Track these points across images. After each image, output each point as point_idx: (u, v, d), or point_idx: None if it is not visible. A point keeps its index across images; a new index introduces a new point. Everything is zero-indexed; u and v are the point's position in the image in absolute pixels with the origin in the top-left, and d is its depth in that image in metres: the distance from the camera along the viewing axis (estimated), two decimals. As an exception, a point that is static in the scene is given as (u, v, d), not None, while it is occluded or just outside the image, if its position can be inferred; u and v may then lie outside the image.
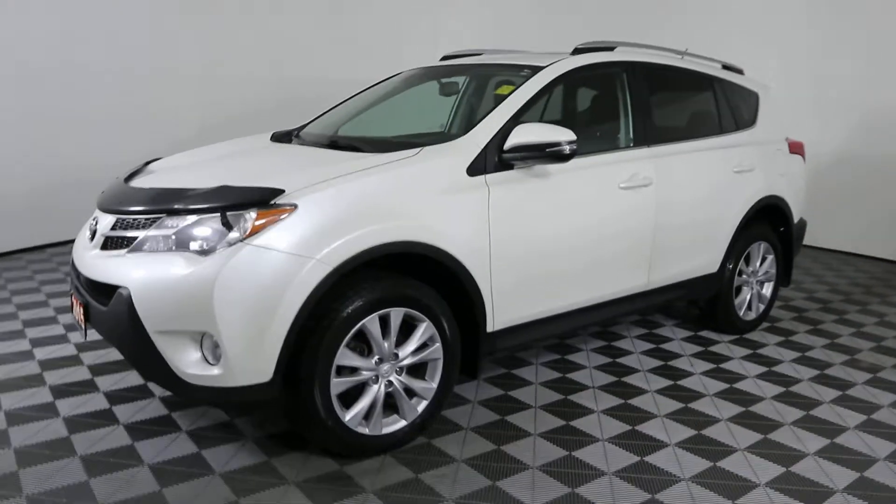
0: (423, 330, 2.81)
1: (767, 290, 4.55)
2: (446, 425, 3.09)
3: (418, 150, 2.89)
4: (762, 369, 3.88)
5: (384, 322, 2.72)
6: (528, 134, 2.96)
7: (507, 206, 2.98)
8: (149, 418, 3.04)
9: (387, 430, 2.81)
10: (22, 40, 5.61)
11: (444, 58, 4.33)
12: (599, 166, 3.40)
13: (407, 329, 2.81)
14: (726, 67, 4.51)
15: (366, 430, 2.75)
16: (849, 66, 6.50)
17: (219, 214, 2.49)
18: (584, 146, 3.56)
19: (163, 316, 2.46)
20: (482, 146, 2.96)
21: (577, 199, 3.27)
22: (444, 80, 3.91)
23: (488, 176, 2.95)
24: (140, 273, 2.51)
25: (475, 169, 2.92)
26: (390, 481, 2.63)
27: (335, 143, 3.30)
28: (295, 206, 2.50)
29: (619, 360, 3.94)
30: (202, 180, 2.77)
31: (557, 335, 3.54)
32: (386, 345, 2.73)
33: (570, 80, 3.51)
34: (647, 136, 3.64)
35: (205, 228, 2.50)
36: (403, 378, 2.82)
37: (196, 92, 6.57)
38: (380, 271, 2.77)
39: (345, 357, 2.63)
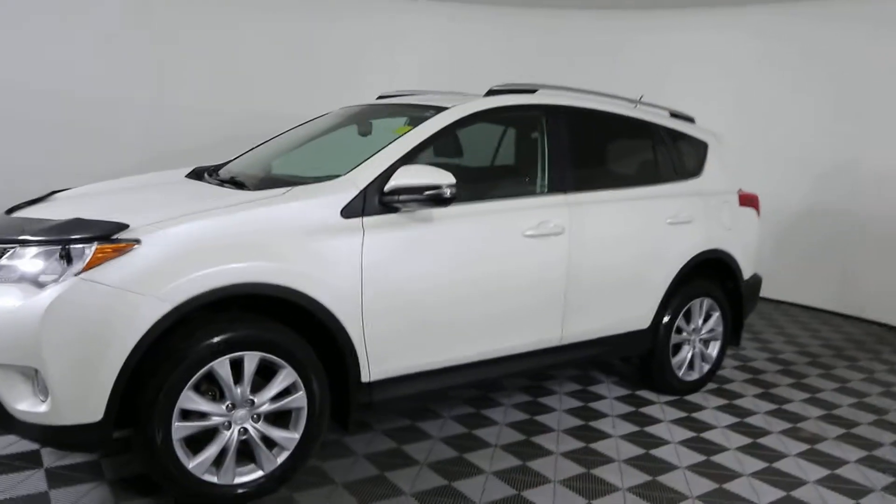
0: (284, 377, 2.68)
1: (713, 349, 4.30)
2: (398, 459, 3.01)
3: (288, 189, 2.81)
4: (689, 434, 3.63)
5: (238, 366, 2.60)
6: (409, 176, 2.85)
7: (384, 252, 2.86)
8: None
9: (240, 479, 2.67)
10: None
11: (380, 97, 4.28)
12: (501, 212, 3.26)
13: (270, 375, 2.69)
14: (675, 115, 4.37)
15: (214, 479, 2.61)
16: (812, 119, 6.53)
17: (59, 247, 2.43)
18: (486, 191, 3.47)
19: None
20: (361, 187, 2.86)
21: (469, 246, 3.11)
22: (361, 121, 3.85)
23: (366, 219, 2.84)
24: None
25: (351, 211, 2.82)
26: None
27: (232, 180, 3.24)
28: (138, 242, 2.43)
29: (537, 417, 3.73)
30: (74, 212, 2.73)
31: (456, 388, 3.37)
32: (239, 390, 2.61)
33: (478, 123, 3.40)
34: (564, 182, 3.49)
35: (47, 261, 2.44)
36: (260, 426, 2.68)
37: (146, 121, 6.46)
38: (241, 313, 2.67)
39: (189, 401, 2.51)
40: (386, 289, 2.87)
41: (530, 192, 3.48)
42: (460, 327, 3.13)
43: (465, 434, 3.45)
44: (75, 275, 2.36)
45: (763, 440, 3.62)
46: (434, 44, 7.45)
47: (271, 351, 2.64)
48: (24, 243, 2.50)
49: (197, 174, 3.61)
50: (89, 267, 2.37)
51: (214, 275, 2.49)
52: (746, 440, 3.61)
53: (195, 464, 2.55)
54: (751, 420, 3.89)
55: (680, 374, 4.12)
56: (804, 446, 3.58)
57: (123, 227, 2.46)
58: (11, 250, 2.52)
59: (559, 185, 3.48)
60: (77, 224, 2.52)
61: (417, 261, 2.97)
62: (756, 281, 4.59)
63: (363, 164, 2.95)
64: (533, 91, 3.60)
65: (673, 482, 3.10)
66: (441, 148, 3.44)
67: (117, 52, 6.30)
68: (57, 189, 3.50)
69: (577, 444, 3.42)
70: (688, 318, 4.12)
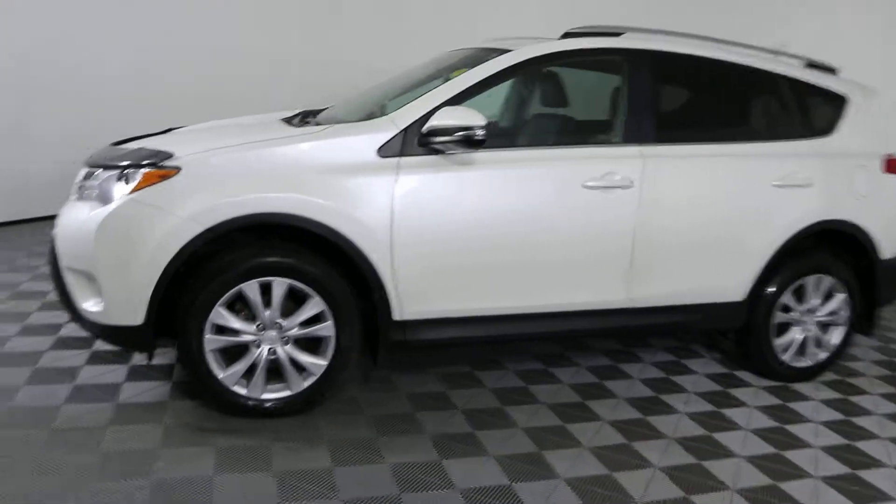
0: (312, 305, 2.82)
1: (835, 335, 3.74)
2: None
3: (328, 126, 2.89)
4: (770, 424, 3.22)
5: (270, 290, 2.78)
6: (445, 117, 2.81)
7: (419, 192, 2.85)
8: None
9: (268, 395, 2.88)
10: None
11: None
12: (558, 160, 3.08)
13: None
14: (812, 65, 3.78)
15: (244, 391, 2.84)
16: None
17: (118, 171, 2.76)
18: (546, 137, 3.29)
19: (69, 255, 2.79)
20: (402, 128, 2.86)
21: (516, 192, 2.99)
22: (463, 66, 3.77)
23: (403, 159, 2.85)
24: (64, 217, 2.87)
25: (389, 150, 2.84)
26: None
27: (307, 121, 3.40)
28: (178, 169, 2.68)
29: (606, 381, 3.53)
30: (157, 144, 3.06)
31: (507, 339, 3.27)
32: (267, 313, 2.79)
33: (546, 67, 3.21)
34: (642, 133, 3.19)
35: (111, 183, 2.77)
36: (289, 349, 2.85)
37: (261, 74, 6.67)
38: (279, 241, 2.84)
39: (220, 317, 2.74)
40: (419, 229, 2.87)
41: (600, 142, 3.24)
42: (506, 276, 3.05)
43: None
44: (126, 195, 2.67)
45: (861, 443, 3.12)
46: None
47: (300, 279, 2.78)
48: (102, 167, 2.87)
49: (289, 118, 3.82)
50: (137, 189, 2.67)
51: (243, 202, 2.67)
52: (840, 440, 3.13)
53: (226, 374, 2.80)
54: (858, 420, 3.35)
55: (785, 357, 3.64)
56: (914, 457, 3.03)
57: (168, 155, 2.72)
58: (94, 173, 2.90)
59: (635, 135, 3.19)
60: (135, 153, 2.83)
61: (456, 204, 2.93)
62: (904, 263, 3.88)
63: (407, 105, 2.95)
64: (617, 34, 3.32)
65: (719, 470, 2.80)
66: (543, 96, 3.34)
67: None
68: (174, 126, 3.93)
69: (632, 415, 3.20)
70: (800, 296, 3.62)
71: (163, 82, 6.47)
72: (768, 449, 3.00)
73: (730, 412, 3.32)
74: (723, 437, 3.07)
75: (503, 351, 3.81)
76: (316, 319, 2.86)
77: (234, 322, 2.78)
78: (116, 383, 3.11)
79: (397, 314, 2.94)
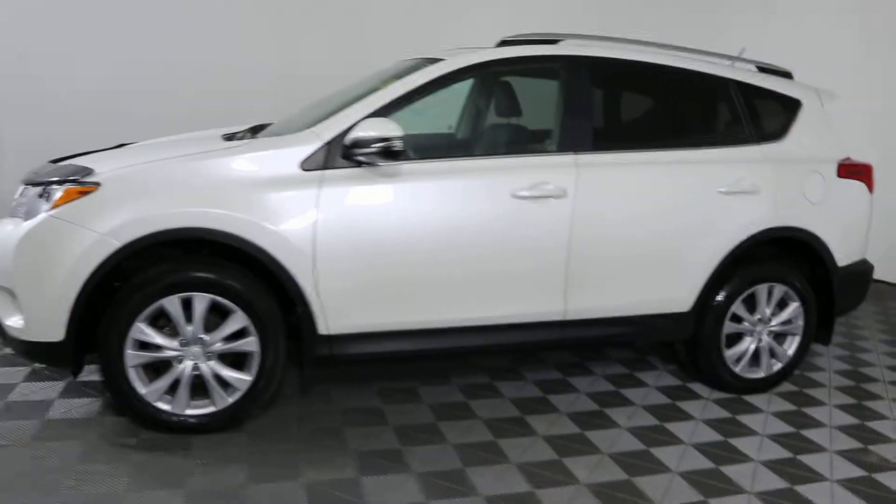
0: (235, 320, 2.80)
1: (790, 345, 3.65)
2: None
3: (251, 139, 2.88)
4: (714, 438, 3.13)
5: (190, 305, 2.77)
6: (365, 129, 2.79)
7: (343, 205, 2.82)
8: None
9: (192, 411, 2.85)
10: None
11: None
12: (487, 170, 3.04)
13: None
14: (765, 70, 3.72)
15: (168, 407, 2.83)
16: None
17: (41, 188, 2.76)
18: (476, 147, 3.26)
19: None
20: (325, 140, 2.84)
21: (442, 203, 2.95)
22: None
23: (326, 172, 2.83)
24: None
25: (312, 163, 2.81)
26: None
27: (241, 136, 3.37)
28: (98, 185, 2.68)
29: (550, 395, 3.47)
30: (91, 161, 3.06)
31: (438, 353, 3.22)
32: (190, 328, 2.78)
33: (479, 77, 3.18)
34: (578, 142, 3.15)
35: (35, 199, 2.78)
36: (213, 364, 2.83)
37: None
38: (210, 255, 2.82)
39: (141, 333, 2.73)
40: (343, 242, 2.84)
41: (534, 151, 3.20)
42: (436, 289, 3.01)
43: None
44: (45, 212, 2.67)
45: (806, 457, 3.02)
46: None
47: (222, 294, 2.77)
48: (30, 184, 2.88)
49: (233, 133, 3.78)
50: (57, 205, 2.67)
51: (162, 218, 2.66)
52: (784, 454, 3.04)
53: (147, 391, 2.78)
54: (808, 432, 3.26)
55: (737, 369, 3.56)
56: (857, 472, 2.93)
57: (89, 171, 2.72)
58: (23, 189, 2.92)
59: (570, 143, 3.15)
60: (60, 169, 2.84)
61: (382, 217, 2.90)
62: (862, 269, 3.78)
63: (332, 117, 2.93)
64: (555, 41, 3.28)
65: (649, 486, 2.73)
66: (476, 106, 3.31)
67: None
68: (130, 142, 3.93)
69: (570, 430, 3.13)
70: (752, 305, 3.54)
71: (134, 97, 6.47)
72: (706, 464, 2.92)
73: (674, 426, 3.24)
74: (660, 452, 2.99)
75: (450, 365, 3.76)
76: (240, 334, 2.84)
77: (156, 337, 2.77)
78: (48, 399, 3.11)
79: (323, 328, 2.91)
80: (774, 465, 2.94)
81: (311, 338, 2.90)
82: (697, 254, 3.34)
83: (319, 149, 2.84)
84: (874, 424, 3.38)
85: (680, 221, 3.30)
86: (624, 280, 3.27)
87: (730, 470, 2.88)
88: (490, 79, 3.38)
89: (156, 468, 2.63)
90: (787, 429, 3.28)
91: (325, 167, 2.83)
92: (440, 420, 3.15)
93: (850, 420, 3.41)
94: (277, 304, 2.86)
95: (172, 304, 2.74)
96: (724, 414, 3.40)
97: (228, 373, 2.85)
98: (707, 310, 3.44)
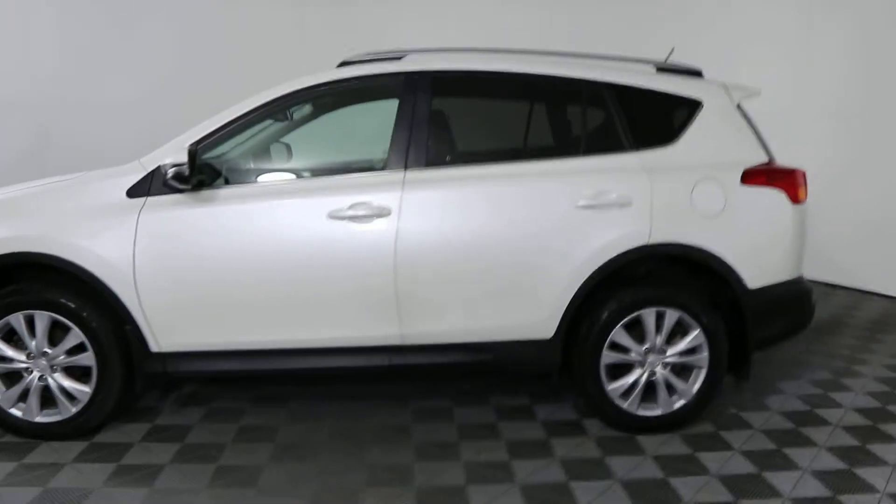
0: (72, 336, 3.05)
1: (696, 379, 3.17)
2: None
3: (89, 172, 3.15)
4: (554, 479, 2.81)
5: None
6: (164, 156, 2.95)
7: (160, 229, 2.97)
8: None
9: (41, 418, 3.12)
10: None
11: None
12: (305, 192, 3.03)
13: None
14: (667, 69, 3.33)
15: (19, 413, 3.12)
16: None
17: None
18: (302, 170, 3.26)
19: None
20: (149, 169, 3.03)
21: (259, 226, 2.98)
22: None
23: (149, 199, 3.00)
24: None
25: (137, 191, 3.01)
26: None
27: None
28: None
29: (417, 424, 3.32)
30: None
31: (271, 373, 3.19)
32: (34, 343, 3.07)
33: (312, 99, 3.20)
34: (409, 158, 3.04)
35: None
36: (58, 376, 3.10)
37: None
38: (53, 277, 3.12)
39: (-5, 346, 3.08)
40: (160, 265, 2.98)
41: (359, 170, 3.14)
42: (256, 310, 3.04)
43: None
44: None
45: (646, 508, 2.61)
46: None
47: (60, 312, 3.03)
48: None
49: None
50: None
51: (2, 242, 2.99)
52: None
53: (2, 397, 3.10)
54: (678, 479, 2.79)
55: (624, 404, 3.16)
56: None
57: None
58: None
59: (401, 161, 3.05)
60: None
61: (199, 239, 3.00)
62: (792, 291, 3.19)
63: (166, 145, 3.11)
64: (398, 58, 3.22)
65: None
66: (306, 128, 3.36)
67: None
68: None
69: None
70: (640, 333, 3.14)
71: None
72: (516, 506, 2.64)
73: (522, 464, 2.94)
74: (484, 490, 2.74)
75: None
76: (80, 349, 3.08)
77: (7, 350, 3.09)
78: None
79: (154, 346, 3.06)
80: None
81: (144, 354, 3.07)
82: (553, 275, 3.04)
83: (144, 177, 3.03)
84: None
85: (528, 239, 3.03)
86: (468, 303, 3.06)
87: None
88: (326, 101, 3.38)
89: (23, 470, 2.92)
90: (654, 475, 2.85)
91: (148, 194, 3.02)
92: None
93: (746, 468, 2.88)
94: (111, 322, 3.07)
95: (17, 320, 3.04)
96: (594, 454, 3.02)
97: (70, 384, 3.10)
98: (576, 338, 3.11)
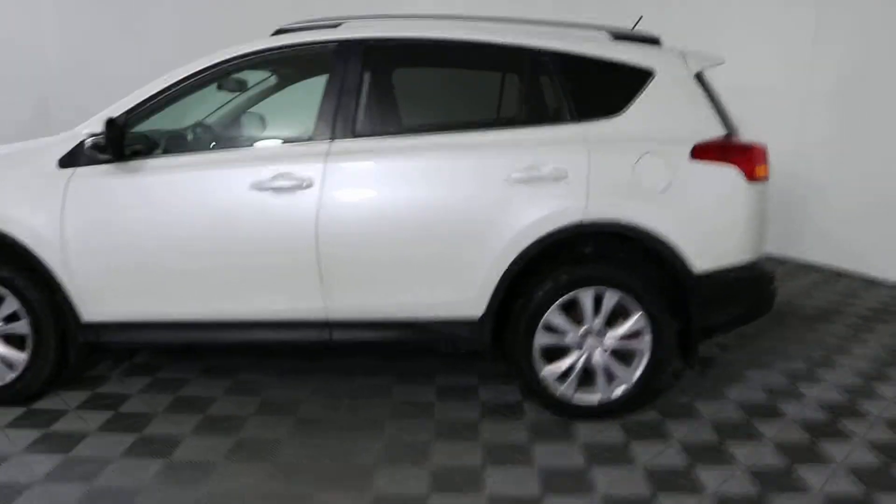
0: (7, 304, 3.09)
1: (638, 364, 3.00)
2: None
3: (27, 141, 3.15)
4: (480, 462, 2.70)
5: None
6: (88, 126, 2.92)
7: (88, 200, 2.95)
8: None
9: (-6, 380, 3.18)
10: None
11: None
12: (230, 162, 2.95)
13: None
14: (623, 37, 3.12)
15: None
16: None
17: None
18: (228, 140, 3.18)
19: None
20: (80, 140, 3.02)
21: (182, 197, 2.93)
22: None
23: (79, 169, 2.99)
24: None
25: (67, 161, 2.99)
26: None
27: None
28: None
29: (358, 399, 3.25)
30: None
31: (203, 345, 3.16)
32: (-25, 312, 3.13)
33: (242, 69, 3.11)
34: (335, 129, 2.93)
35: None
36: (-4, 346, 3.15)
37: None
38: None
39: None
40: (86, 234, 2.96)
41: (285, 140, 3.05)
42: (181, 282, 3.01)
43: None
44: None
45: (556, 498, 2.47)
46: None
47: (-5, 281, 3.08)
48: None
49: None
50: None
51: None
52: (531, 491, 2.52)
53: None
54: (600, 472, 2.64)
55: (558, 390, 3.02)
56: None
57: None
58: None
59: (326, 132, 2.95)
60: None
61: (124, 210, 2.97)
62: (747, 275, 2.97)
63: (98, 115, 3.09)
64: (335, 26, 3.10)
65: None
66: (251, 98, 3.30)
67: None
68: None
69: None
70: (576, 313, 2.98)
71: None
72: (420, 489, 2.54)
73: (451, 446, 2.83)
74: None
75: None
76: (16, 317, 3.12)
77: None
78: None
79: (84, 316, 3.08)
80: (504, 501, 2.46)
81: (76, 324, 3.08)
82: (482, 251, 2.91)
83: (75, 147, 3.02)
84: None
85: (456, 213, 2.90)
86: (393, 279, 2.96)
87: (439, 500, 2.48)
88: (260, 70, 3.29)
89: None
90: (575, 464, 2.71)
91: (78, 164, 3.01)
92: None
93: (676, 462, 2.71)
94: (44, 292, 3.08)
95: (-44, 291, 3.11)
96: (521, 439, 2.90)
97: (6, 351, 3.14)
98: (506, 317, 2.98)
